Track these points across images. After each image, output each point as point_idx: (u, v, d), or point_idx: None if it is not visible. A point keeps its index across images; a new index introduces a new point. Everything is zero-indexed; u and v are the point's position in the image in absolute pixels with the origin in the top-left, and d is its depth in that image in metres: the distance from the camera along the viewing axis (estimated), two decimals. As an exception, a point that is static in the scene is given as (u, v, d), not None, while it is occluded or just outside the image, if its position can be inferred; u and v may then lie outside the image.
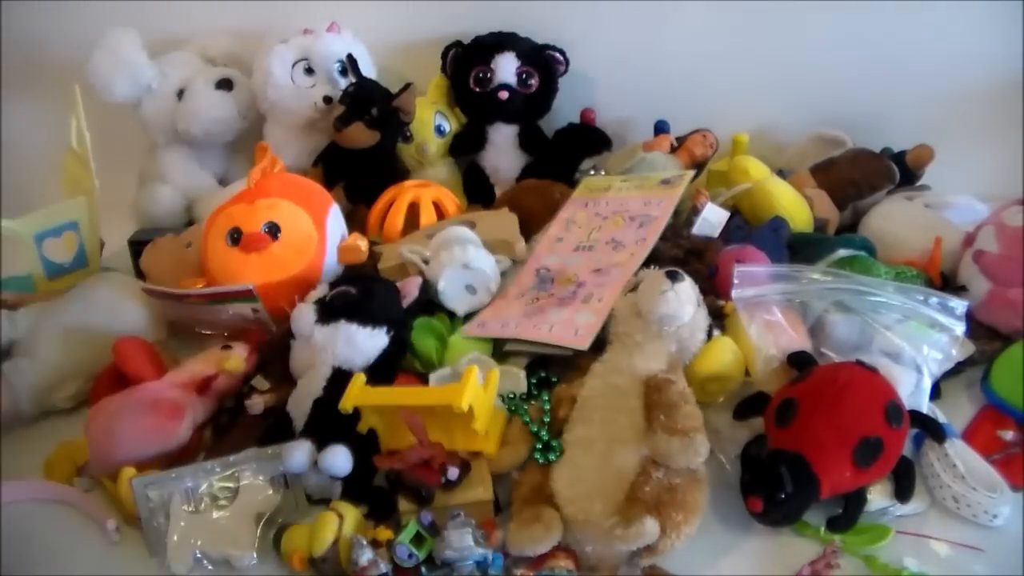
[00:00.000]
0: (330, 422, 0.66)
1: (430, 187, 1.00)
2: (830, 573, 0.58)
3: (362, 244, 0.85)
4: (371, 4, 1.12)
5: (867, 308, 0.71)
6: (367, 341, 0.70)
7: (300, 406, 0.69)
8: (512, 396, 0.72)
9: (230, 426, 0.74)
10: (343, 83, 1.06)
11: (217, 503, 0.63)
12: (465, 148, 1.12)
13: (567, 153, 1.09)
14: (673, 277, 0.66)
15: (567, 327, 0.75)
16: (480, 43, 1.09)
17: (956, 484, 0.63)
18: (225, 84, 1.06)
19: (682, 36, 1.09)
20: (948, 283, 0.84)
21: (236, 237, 0.81)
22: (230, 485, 0.64)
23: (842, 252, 0.83)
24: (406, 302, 0.75)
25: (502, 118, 1.09)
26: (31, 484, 0.69)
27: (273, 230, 0.81)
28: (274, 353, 0.77)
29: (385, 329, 0.71)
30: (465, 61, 1.08)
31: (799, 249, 0.86)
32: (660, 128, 1.08)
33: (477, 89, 1.07)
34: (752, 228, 0.89)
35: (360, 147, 1.02)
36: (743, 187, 0.94)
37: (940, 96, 1.06)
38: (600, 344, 0.72)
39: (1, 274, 0.97)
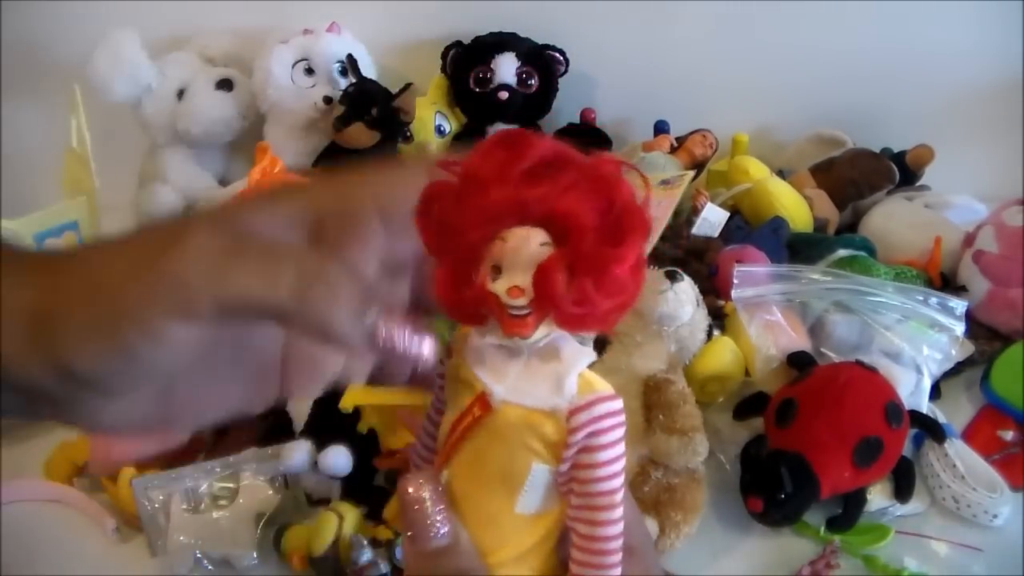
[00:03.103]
0: (330, 422, 0.66)
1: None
2: (830, 573, 0.58)
3: (362, 244, 0.85)
4: (371, 4, 1.12)
5: (867, 308, 0.71)
6: (367, 341, 0.70)
7: (300, 406, 0.69)
8: (512, 396, 0.72)
9: (230, 426, 0.74)
10: (343, 83, 1.06)
11: (217, 503, 0.63)
12: (465, 148, 1.12)
13: (567, 153, 1.09)
14: (672, 277, 0.66)
15: (567, 327, 0.75)
16: (480, 43, 1.09)
17: (956, 484, 0.63)
18: (225, 84, 1.06)
19: (682, 36, 1.09)
20: (948, 283, 0.84)
21: (236, 237, 0.81)
22: (230, 485, 0.64)
23: (842, 252, 0.83)
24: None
25: (502, 118, 1.09)
26: (31, 484, 0.69)
27: (273, 230, 0.81)
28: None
29: (385, 329, 0.71)
30: (465, 61, 1.08)
31: (799, 249, 0.86)
32: (660, 128, 1.08)
33: (477, 89, 1.07)
34: (752, 228, 0.89)
35: (360, 147, 1.02)
36: (743, 187, 0.94)
37: (940, 96, 1.06)
38: (600, 344, 0.72)
39: (1, 274, 0.96)
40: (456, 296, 0.26)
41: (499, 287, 0.26)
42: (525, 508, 0.28)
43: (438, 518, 0.27)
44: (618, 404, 0.27)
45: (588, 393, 0.27)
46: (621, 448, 0.27)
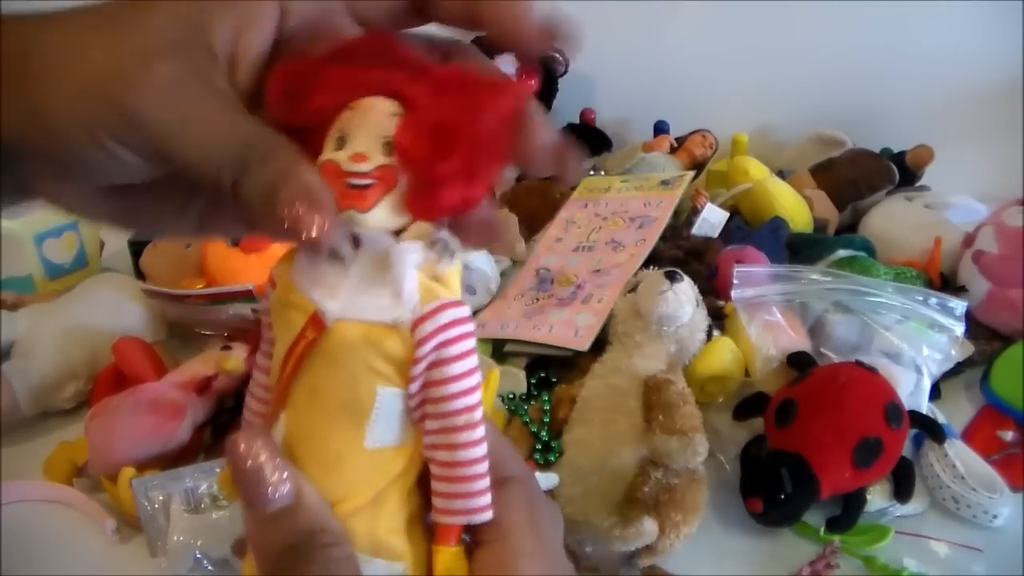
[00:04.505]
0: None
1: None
2: (830, 573, 0.58)
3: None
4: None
5: (867, 308, 0.71)
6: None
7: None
8: (512, 396, 0.72)
9: (230, 426, 0.74)
10: (343, 83, 1.06)
11: (217, 503, 0.63)
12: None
13: (567, 153, 1.09)
14: (672, 277, 0.66)
15: (567, 328, 0.75)
16: (480, 43, 1.09)
17: (956, 484, 0.63)
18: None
19: (682, 36, 1.10)
20: (948, 283, 0.84)
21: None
22: (230, 485, 0.64)
23: (842, 252, 0.84)
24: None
25: (502, 118, 1.09)
26: (31, 484, 0.69)
27: (273, 230, 0.81)
28: (274, 353, 0.77)
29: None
30: (465, 61, 1.08)
31: (799, 249, 0.86)
32: (660, 128, 1.08)
33: (477, 89, 1.07)
34: (752, 228, 0.89)
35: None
36: (743, 187, 0.95)
37: (940, 96, 1.06)
38: (600, 344, 0.72)
39: (1, 274, 0.97)
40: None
41: (340, 155, 0.23)
42: (376, 441, 0.25)
43: (275, 475, 0.24)
44: (465, 311, 0.24)
45: (432, 300, 0.24)
46: (474, 360, 0.24)
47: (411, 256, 0.24)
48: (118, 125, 0.23)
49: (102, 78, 0.22)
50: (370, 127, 0.23)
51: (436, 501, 0.25)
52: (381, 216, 0.24)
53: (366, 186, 0.23)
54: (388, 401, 0.25)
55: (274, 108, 0.24)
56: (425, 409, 0.25)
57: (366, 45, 0.25)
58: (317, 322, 0.24)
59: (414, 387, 0.24)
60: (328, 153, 0.23)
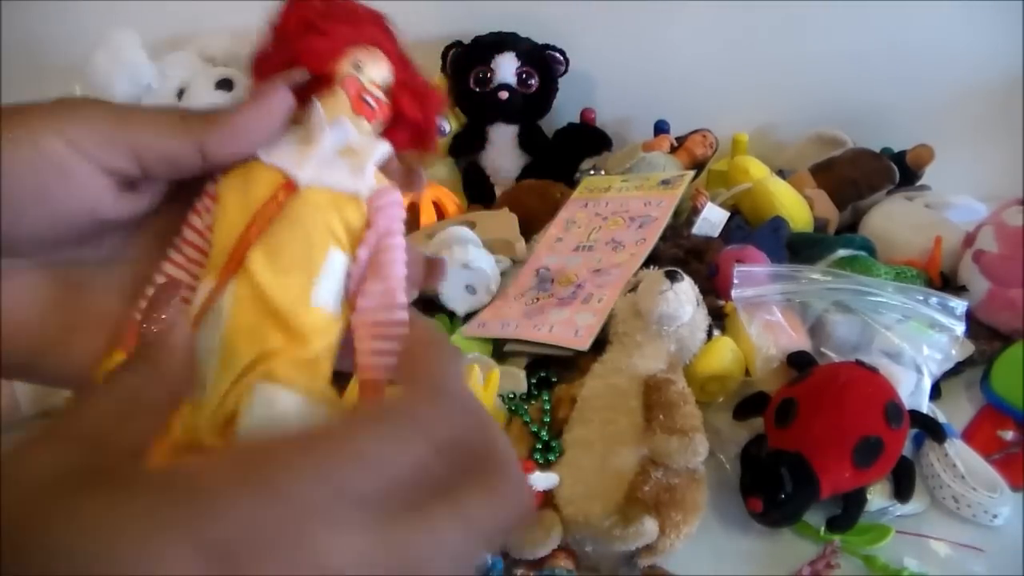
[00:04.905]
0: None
1: (430, 187, 1.00)
2: (830, 573, 0.58)
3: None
4: (371, 4, 1.12)
5: (867, 308, 0.71)
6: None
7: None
8: (512, 396, 0.72)
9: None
10: (343, 83, 1.06)
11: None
12: (465, 148, 1.12)
13: (567, 153, 1.09)
14: (672, 277, 0.66)
15: (567, 327, 0.75)
16: (480, 43, 1.09)
17: (956, 484, 0.63)
18: (225, 84, 1.06)
19: (682, 36, 1.10)
20: (948, 283, 0.84)
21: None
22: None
23: (842, 252, 0.83)
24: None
25: (502, 118, 1.09)
26: (31, 484, 0.69)
27: (273, 230, 0.81)
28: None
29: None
30: (465, 61, 1.08)
31: (799, 249, 0.86)
32: (660, 128, 1.08)
33: (477, 89, 1.07)
34: (752, 228, 0.89)
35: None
36: (743, 187, 0.94)
37: (940, 96, 1.06)
38: (600, 344, 0.72)
39: (1, 274, 0.96)
40: (322, 65, 0.31)
41: (362, 77, 0.31)
42: (319, 302, 0.28)
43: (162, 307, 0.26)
44: (402, 199, 0.31)
45: (384, 183, 0.31)
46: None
47: (383, 149, 0.31)
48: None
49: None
50: (380, 71, 0.32)
51: (364, 360, 0.29)
52: (369, 131, 0.32)
53: (373, 107, 0.31)
54: (336, 264, 0.29)
55: (301, 7, 0.32)
56: (367, 274, 0.29)
57: (373, 12, 0.34)
58: (289, 186, 0.29)
59: (364, 252, 0.29)
60: (351, 70, 0.31)
